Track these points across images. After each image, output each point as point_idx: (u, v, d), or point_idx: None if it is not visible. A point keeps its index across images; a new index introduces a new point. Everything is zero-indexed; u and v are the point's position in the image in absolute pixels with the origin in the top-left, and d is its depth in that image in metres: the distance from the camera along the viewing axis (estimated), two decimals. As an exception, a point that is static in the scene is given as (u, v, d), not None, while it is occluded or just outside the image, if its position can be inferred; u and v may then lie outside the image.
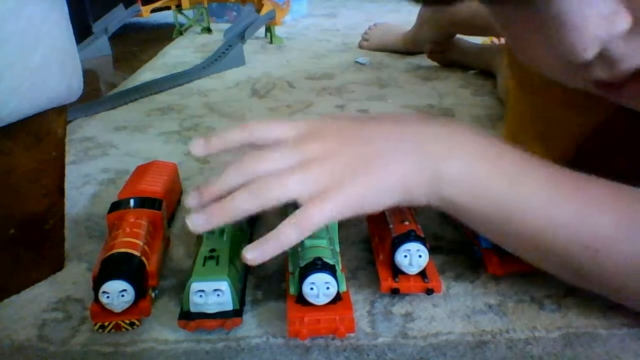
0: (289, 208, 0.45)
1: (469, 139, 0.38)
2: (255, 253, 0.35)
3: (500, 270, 0.43)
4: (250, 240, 0.48)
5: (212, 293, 0.36)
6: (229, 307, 0.37)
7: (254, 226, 0.52)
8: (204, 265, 0.38)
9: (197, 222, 0.35)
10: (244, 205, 0.36)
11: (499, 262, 0.42)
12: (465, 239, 0.48)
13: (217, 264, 0.38)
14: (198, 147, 0.39)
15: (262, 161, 0.37)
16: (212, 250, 0.39)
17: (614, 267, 0.35)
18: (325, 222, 0.35)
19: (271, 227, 0.51)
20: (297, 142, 0.38)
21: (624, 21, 0.28)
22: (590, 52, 0.29)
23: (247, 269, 0.45)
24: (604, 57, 0.30)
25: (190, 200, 0.37)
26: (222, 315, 0.37)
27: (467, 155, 0.37)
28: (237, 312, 0.37)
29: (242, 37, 1.24)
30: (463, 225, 0.46)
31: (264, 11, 1.40)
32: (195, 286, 0.36)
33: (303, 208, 0.35)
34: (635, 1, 0.28)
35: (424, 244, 0.39)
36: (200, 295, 0.36)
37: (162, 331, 0.39)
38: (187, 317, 0.37)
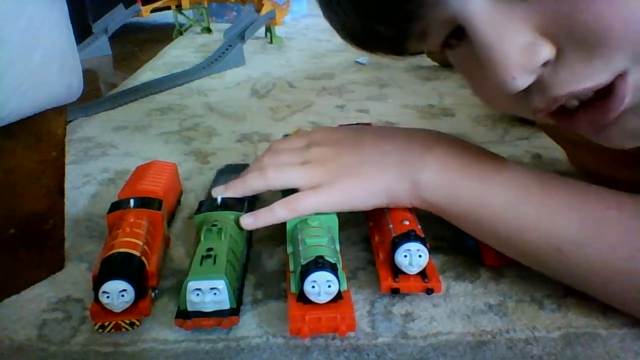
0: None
1: (445, 150, 0.42)
2: (251, 219, 0.43)
3: (496, 261, 0.44)
4: (249, 240, 0.48)
5: (208, 292, 0.36)
6: (226, 305, 0.37)
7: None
8: (201, 264, 0.38)
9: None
10: (253, 183, 0.46)
11: (495, 254, 0.43)
12: (460, 232, 0.48)
13: (214, 262, 0.38)
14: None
15: (277, 158, 0.47)
16: (210, 250, 0.39)
17: (580, 269, 0.37)
18: (312, 210, 0.43)
19: (269, 226, 0.51)
20: (304, 148, 0.47)
21: (545, 50, 0.29)
22: (520, 82, 0.30)
23: (246, 268, 0.45)
24: (538, 85, 0.31)
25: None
26: (219, 313, 0.37)
27: (442, 164, 0.41)
28: (234, 311, 0.37)
29: (242, 37, 1.24)
30: None
31: (264, 11, 1.40)
32: (192, 285, 0.36)
33: (297, 194, 0.43)
34: (554, 30, 0.29)
35: (424, 244, 0.39)
36: (197, 294, 0.36)
37: (162, 331, 0.39)
38: (184, 316, 0.37)
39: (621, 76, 0.29)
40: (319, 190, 0.43)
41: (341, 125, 0.67)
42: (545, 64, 0.30)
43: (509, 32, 0.29)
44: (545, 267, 0.40)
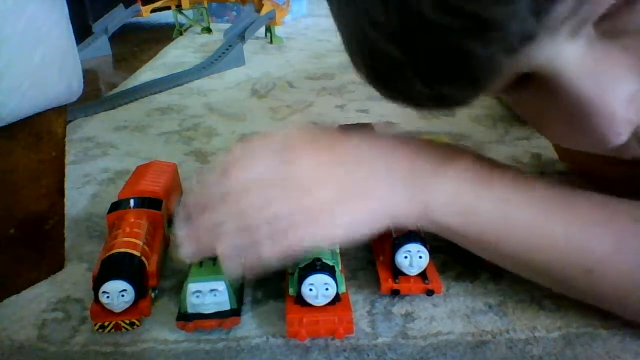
0: None
1: (458, 163, 0.37)
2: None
3: None
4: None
5: (209, 293, 0.36)
6: (227, 306, 0.37)
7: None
8: (201, 265, 0.38)
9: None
10: (233, 241, 0.34)
11: None
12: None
13: (214, 264, 0.38)
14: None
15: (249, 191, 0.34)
16: None
17: (610, 287, 0.34)
18: (308, 247, 0.35)
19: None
20: (284, 161, 0.35)
21: None
22: (624, 136, 0.28)
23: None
24: (637, 135, 0.29)
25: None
26: (220, 315, 0.37)
27: (455, 181, 0.36)
28: (235, 312, 0.37)
29: (242, 37, 1.24)
30: None
31: (264, 11, 1.40)
32: (192, 287, 0.36)
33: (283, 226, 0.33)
34: None
35: (425, 245, 0.39)
36: (197, 296, 0.36)
37: (162, 331, 0.39)
38: (185, 318, 0.37)
39: None
40: (316, 221, 0.34)
41: (340, 126, 0.67)
42: None
43: (611, 82, 0.26)
44: (571, 288, 0.37)
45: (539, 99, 0.30)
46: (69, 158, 0.63)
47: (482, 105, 0.90)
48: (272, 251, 0.33)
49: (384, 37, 0.27)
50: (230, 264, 0.34)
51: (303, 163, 0.35)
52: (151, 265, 0.40)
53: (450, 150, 0.38)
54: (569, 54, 0.26)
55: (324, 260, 0.36)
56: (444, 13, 0.24)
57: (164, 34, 1.61)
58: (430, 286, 0.40)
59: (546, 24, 0.24)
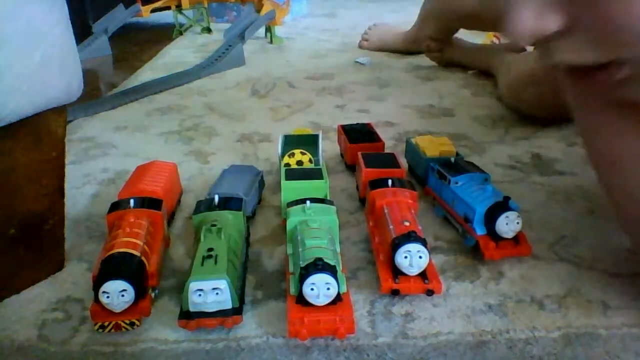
0: (290, 206, 0.45)
1: None
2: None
3: (496, 254, 0.44)
4: (248, 239, 0.48)
5: (210, 292, 0.36)
6: (228, 305, 0.37)
7: (249, 228, 0.52)
8: (202, 264, 0.38)
9: None
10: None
11: (494, 247, 0.44)
12: (459, 229, 0.48)
13: (216, 263, 0.38)
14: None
15: None
16: (210, 250, 0.39)
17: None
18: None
19: (269, 226, 0.52)
20: None
21: (554, 22, 0.30)
22: (524, 42, 0.31)
23: (246, 268, 0.45)
24: (545, 48, 0.32)
25: None
26: (221, 313, 0.37)
27: None
28: (237, 310, 0.37)
29: (242, 37, 1.24)
30: (458, 215, 0.48)
31: (264, 11, 1.40)
32: (193, 285, 0.36)
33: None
34: (565, 7, 0.29)
35: (425, 245, 0.39)
36: (199, 295, 0.36)
37: (162, 331, 0.39)
38: (187, 316, 0.37)
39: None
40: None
41: (341, 126, 0.67)
42: None
43: None
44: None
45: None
46: (69, 158, 0.63)
47: (482, 105, 0.90)
48: None
49: None
50: None
51: None
52: (151, 265, 0.40)
53: None
54: None
55: (325, 260, 0.36)
56: None
57: (164, 34, 1.61)
58: (430, 286, 0.40)
59: None
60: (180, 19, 1.61)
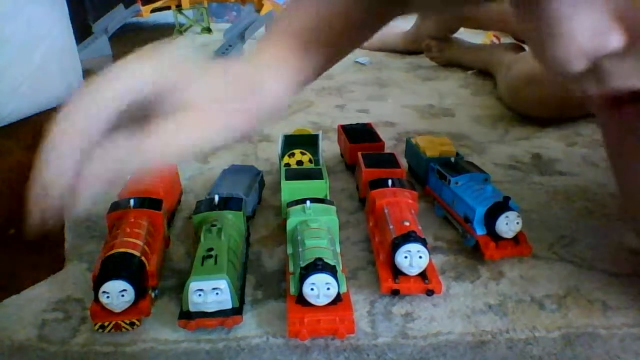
0: (290, 206, 0.45)
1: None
2: None
3: (496, 254, 0.44)
4: (248, 239, 0.48)
5: (210, 292, 0.36)
6: (228, 305, 0.37)
7: (249, 228, 0.52)
8: (202, 264, 0.38)
9: None
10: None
11: (494, 247, 0.44)
12: (459, 229, 0.48)
13: (216, 262, 0.38)
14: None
15: None
16: (210, 250, 0.39)
17: None
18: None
19: (269, 226, 0.52)
20: None
21: (616, 40, 0.26)
22: (574, 65, 0.28)
23: (246, 268, 0.45)
24: (595, 71, 0.29)
25: None
26: (221, 313, 0.37)
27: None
28: (237, 310, 0.37)
29: (242, 37, 1.24)
30: (458, 215, 0.48)
31: (264, 11, 1.40)
32: (194, 285, 0.36)
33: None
34: (631, 21, 0.26)
35: (425, 245, 0.39)
36: (199, 295, 0.36)
37: (162, 331, 0.39)
38: (187, 316, 0.37)
39: None
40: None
41: (342, 126, 0.67)
42: None
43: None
44: None
45: (524, 11, 0.29)
46: (69, 158, 0.63)
47: (482, 105, 0.90)
48: None
49: None
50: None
51: None
52: (151, 265, 0.40)
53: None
54: None
55: (325, 260, 0.36)
56: None
57: (164, 34, 1.61)
58: (430, 286, 0.40)
59: None
60: (180, 19, 1.61)
